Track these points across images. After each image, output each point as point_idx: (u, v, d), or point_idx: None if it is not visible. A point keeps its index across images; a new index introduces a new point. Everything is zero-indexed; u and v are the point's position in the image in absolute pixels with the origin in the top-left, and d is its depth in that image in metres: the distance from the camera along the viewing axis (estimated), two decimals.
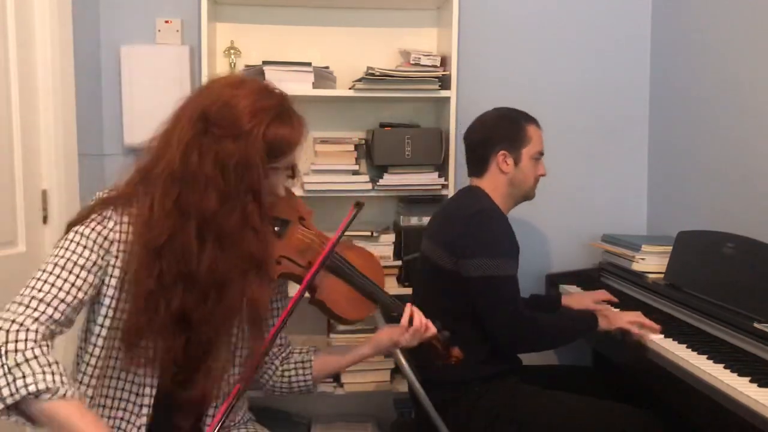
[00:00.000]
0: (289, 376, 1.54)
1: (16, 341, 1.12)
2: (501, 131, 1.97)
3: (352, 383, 2.53)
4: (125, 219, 1.26)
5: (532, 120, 2.01)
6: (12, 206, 1.98)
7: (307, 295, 1.38)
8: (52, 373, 1.11)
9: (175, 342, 1.26)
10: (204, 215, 1.23)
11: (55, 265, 1.21)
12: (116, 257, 1.25)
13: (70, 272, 1.21)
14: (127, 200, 1.28)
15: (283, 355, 1.56)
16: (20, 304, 1.17)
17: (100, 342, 1.27)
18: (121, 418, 1.31)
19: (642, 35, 2.74)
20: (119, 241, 1.25)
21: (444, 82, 2.45)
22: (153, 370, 1.29)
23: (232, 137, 1.24)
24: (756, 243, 1.84)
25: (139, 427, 1.31)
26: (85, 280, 1.22)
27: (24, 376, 1.09)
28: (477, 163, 2.00)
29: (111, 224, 1.25)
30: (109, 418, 1.31)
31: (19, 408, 1.11)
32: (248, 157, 1.25)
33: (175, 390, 1.31)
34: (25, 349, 1.12)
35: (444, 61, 2.49)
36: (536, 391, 1.87)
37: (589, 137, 2.75)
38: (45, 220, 2.11)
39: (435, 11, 2.66)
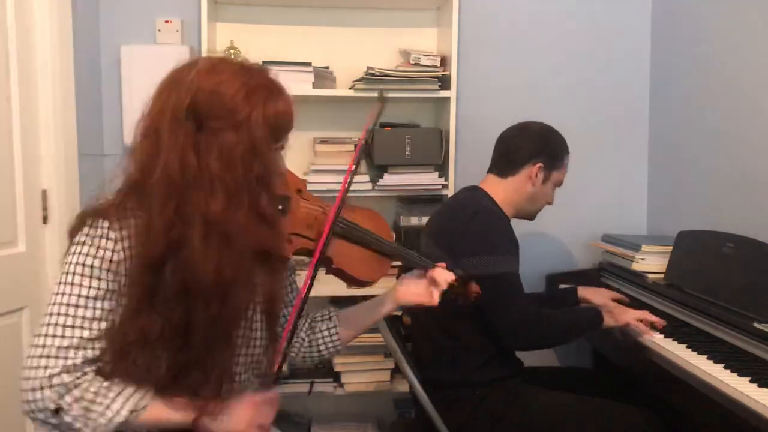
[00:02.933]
0: (318, 345, 1.53)
1: (69, 391, 1.11)
2: (549, 146, 1.98)
3: (352, 383, 2.53)
4: (125, 233, 1.16)
5: (569, 150, 2.03)
6: (12, 206, 1.98)
7: (322, 267, 1.36)
8: (119, 393, 1.13)
9: (175, 353, 1.20)
10: (210, 218, 1.14)
11: (68, 305, 1.14)
12: (125, 275, 1.17)
13: (86, 307, 1.14)
14: (122, 212, 1.17)
15: (306, 325, 1.55)
16: (48, 357, 1.11)
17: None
18: None
19: (642, 35, 2.74)
20: (126, 258, 1.16)
21: (444, 82, 2.45)
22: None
23: (232, 127, 1.16)
24: (756, 243, 1.84)
25: None
26: (102, 309, 1.15)
27: (103, 414, 1.11)
28: (508, 164, 1.98)
29: (111, 244, 1.15)
30: None
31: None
32: (254, 144, 1.17)
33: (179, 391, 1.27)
34: (83, 393, 1.11)
35: (444, 61, 2.49)
36: (538, 392, 1.86)
37: (589, 137, 2.74)
38: (45, 220, 2.10)
39: (435, 11, 2.66)
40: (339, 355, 2.50)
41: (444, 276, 1.48)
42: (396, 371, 2.51)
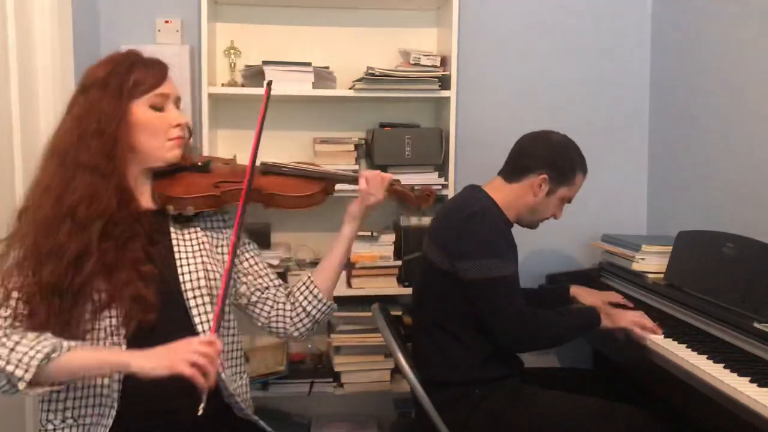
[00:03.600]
0: (300, 304, 1.58)
1: None
2: (560, 159, 1.95)
3: (352, 383, 2.53)
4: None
5: (586, 169, 2.00)
6: (12, 206, 1.97)
7: (261, 203, 1.55)
8: (46, 338, 1.26)
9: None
10: (65, 153, 1.37)
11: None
12: None
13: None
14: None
15: (286, 293, 1.61)
16: None
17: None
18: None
19: (642, 35, 2.74)
20: None
21: (444, 82, 2.44)
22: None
23: (97, 86, 1.42)
24: (756, 243, 1.84)
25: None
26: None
27: (26, 353, 1.23)
28: (516, 169, 1.97)
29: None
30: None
31: (38, 380, 1.24)
32: (106, 94, 1.41)
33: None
34: (9, 338, 1.26)
35: (444, 61, 2.49)
36: (537, 392, 1.87)
37: (588, 137, 2.71)
38: None
39: (435, 11, 2.66)
40: (339, 354, 2.51)
41: (376, 172, 1.59)
42: (396, 371, 2.51)
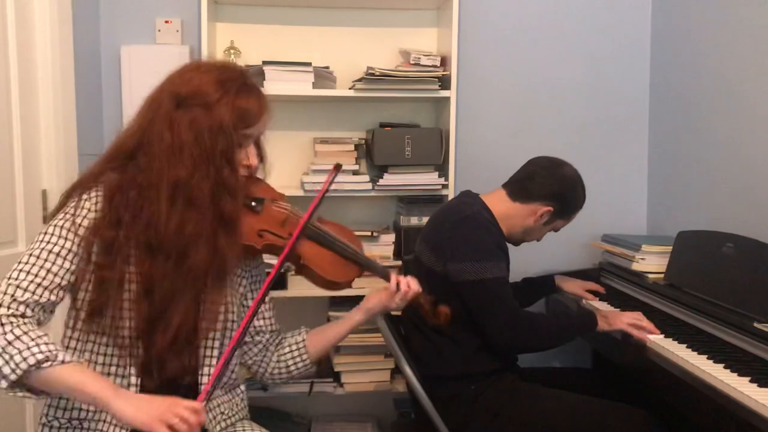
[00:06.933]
0: (286, 361, 1.57)
1: (2, 324, 1.19)
2: (568, 196, 1.99)
3: (352, 383, 2.53)
4: (99, 199, 1.31)
5: (582, 207, 2.06)
6: (12, 206, 1.98)
7: (293, 267, 1.50)
8: (46, 343, 1.20)
9: (139, 307, 1.31)
10: (177, 182, 1.29)
11: (31, 255, 1.27)
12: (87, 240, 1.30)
13: (46, 260, 1.27)
14: (97, 180, 1.33)
15: (276, 341, 1.59)
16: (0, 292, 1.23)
17: (80, 321, 1.33)
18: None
19: (642, 36, 2.74)
20: (92, 225, 1.30)
21: (444, 82, 2.45)
22: (121, 338, 1.32)
23: (203, 107, 1.32)
24: (756, 243, 1.84)
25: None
26: (61, 267, 1.28)
27: (20, 351, 1.17)
28: (522, 191, 1.98)
29: (84, 212, 1.30)
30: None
31: (23, 382, 1.18)
32: (221, 123, 1.32)
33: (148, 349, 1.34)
34: (13, 327, 1.19)
35: (444, 61, 2.49)
36: (535, 389, 1.87)
37: (588, 137, 2.74)
38: (45, 220, 2.10)
39: (435, 11, 2.66)
40: (339, 354, 2.51)
41: (408, 283, 1.56)
42: (396, 371, 2.51)
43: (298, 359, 1.57)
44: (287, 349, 1.58)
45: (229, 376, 1.49)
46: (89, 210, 1.31)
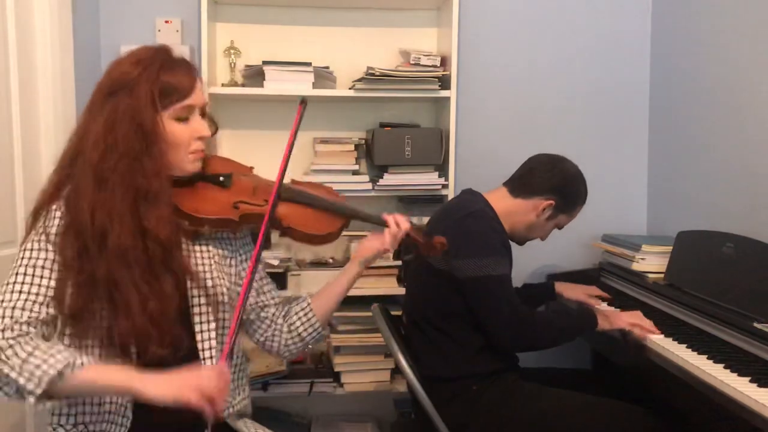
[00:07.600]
0: (297, 329, 1.58)
1: (10, 346, 1.20)
2: (570, 190, 1.99)
3: (352, 383, 2.53)
4: (62, 212, 1.33)
5: (585, 201, 2.06)
6: (12, 206, 1.98)
7: (277, 232, 1.50)
8: (59, 351, 1.21)
9: (98, 302, 1.30)
10: (93, 168, 1.30)
11: (17, 274, 1.29)
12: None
13: (33, 275, 1.28)
14: (57, 193, 1.35)
15: (283, 312, 1.60)
16: None
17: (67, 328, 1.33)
18: None
19: (642, 35, 2.74)
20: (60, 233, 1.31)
21: (444, 82, 2.45)
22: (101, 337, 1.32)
23: (127, 90, 1.32)
24: (756, 243, 1.84)
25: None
26: (50, 278, 1.29)
27: (38, 366, 1.18)
28: (523, 186, 1.98)
29: (56, 221, 1.32)
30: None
31: (48, 393, 1.19)
32: (144, 100, 1.31)
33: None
34: (23, 346, 1.21)
35: (444, 61, 2.49)
36: (536, 389, 1.87)
37: (589, 137, 2.74)
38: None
39: (435, 11, 2.66)
40: (339, 354, 2.51)
41: (397, 221, 1.55)
42: (396, 371, 2.51)
43: (307, 324, 1.57)
44: (295, 317, 1.58)
45: (237, 355, 1.50)
46: (60, 218, 1.32)
